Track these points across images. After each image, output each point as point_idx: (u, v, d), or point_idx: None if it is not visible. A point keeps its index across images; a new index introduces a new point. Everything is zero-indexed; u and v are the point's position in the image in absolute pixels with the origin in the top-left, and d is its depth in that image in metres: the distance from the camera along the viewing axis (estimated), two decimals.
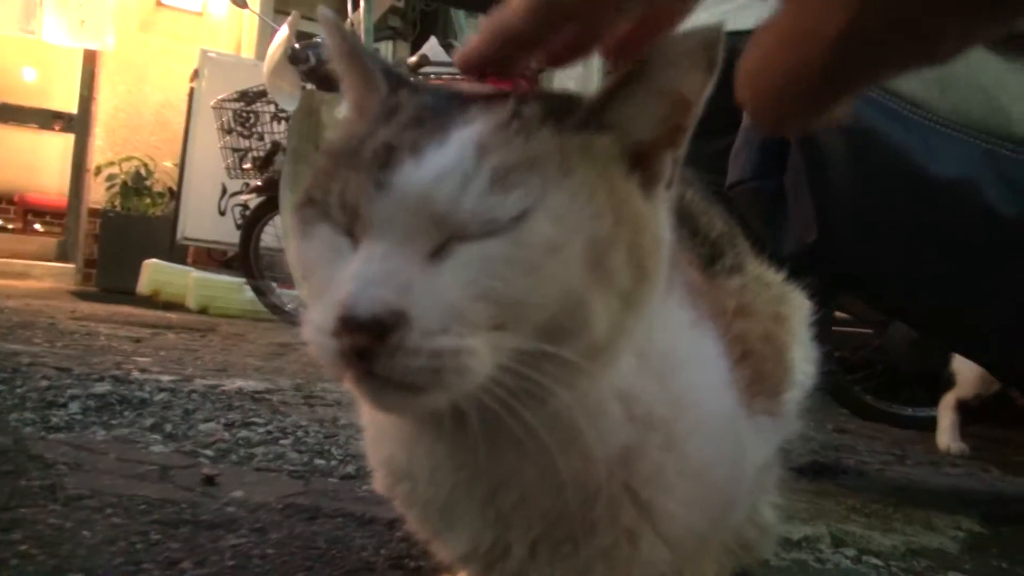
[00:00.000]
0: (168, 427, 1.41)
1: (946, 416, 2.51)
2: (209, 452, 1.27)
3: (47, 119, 8.25)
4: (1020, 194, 1.21)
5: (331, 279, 0.44)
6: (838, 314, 2.99)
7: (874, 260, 1.34)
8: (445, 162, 0.42)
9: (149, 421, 1.43)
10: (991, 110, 1.24)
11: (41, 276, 6.70)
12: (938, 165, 1.21)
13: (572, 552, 0.55)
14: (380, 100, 0.50)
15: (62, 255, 7.27)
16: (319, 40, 3.98)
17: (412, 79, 0.53)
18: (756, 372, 0.63)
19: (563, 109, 0.47)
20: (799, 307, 0.78)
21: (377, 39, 4.25)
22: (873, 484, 1.78)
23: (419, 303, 0.41)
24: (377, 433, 0.62)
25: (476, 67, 0.50)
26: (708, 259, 0.72)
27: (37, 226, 8.37)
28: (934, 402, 2.65)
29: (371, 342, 0.40)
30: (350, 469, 1.26)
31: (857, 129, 1.22)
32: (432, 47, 4.02)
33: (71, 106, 7.54)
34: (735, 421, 0.60)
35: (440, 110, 0.46)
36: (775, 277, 0.78)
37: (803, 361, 0.75)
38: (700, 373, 0.58)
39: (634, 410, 0.52)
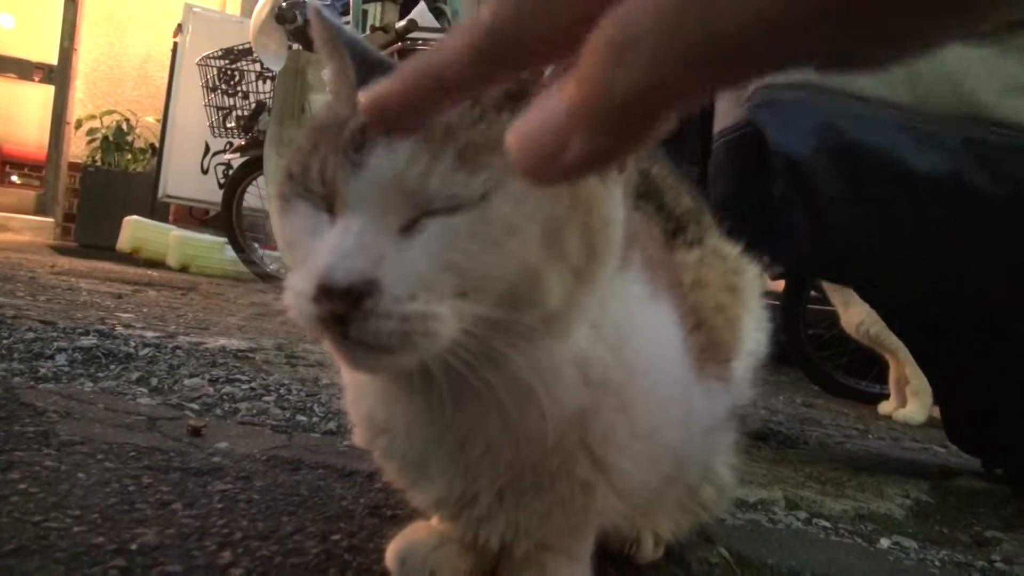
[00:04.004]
0: (154, 381, 1.45)
1: None
2: (194, 406, 1.31)
3: (26, 69, 8.11)
4: (1004, 174, 1.25)
5: (311, 250, 0.48)
6: (812, 293, 3.08)
7: (877, 267, 1.38)
8: (414, 144, 0.46)
9: (135, 375, 1.47)
10: (959, 97, 1.27)
11: (19, 229, 6.65)
12: (924, 161, 1.26)
13: (533, 500, 0.61)
14: (352, 85, 0.54)
15: (41, 209, 7.20)
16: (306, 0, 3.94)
17: (392, 64, 0.56)
18: (708, 340, 0.68)
19: (518, 94, 0.50)
20: (752, 279, 0.83)
21: (365, 1, 4.21)
22: (832, 454, 1.86)
23: (390, 273, 0.45)
24: (357, 391, 0.67)
25: (392, 116, 0.35)
26: (671, 233, 0.77)
27: (14, 178, 8.26)
28: None
29: (347, 308, 0.44)
30: (331, 426, 1.31)
31: (840, 144, 1.28)
32: (421, 12, 3.99)
33: (51, 57, 7.41)
34: (686, 386, 0.65)
35: None
36: (732, 250, 0.82)
37: (754, 331, 0.80)
38: (653, 342, 0.62)
39: (589, 375, 0.57)
